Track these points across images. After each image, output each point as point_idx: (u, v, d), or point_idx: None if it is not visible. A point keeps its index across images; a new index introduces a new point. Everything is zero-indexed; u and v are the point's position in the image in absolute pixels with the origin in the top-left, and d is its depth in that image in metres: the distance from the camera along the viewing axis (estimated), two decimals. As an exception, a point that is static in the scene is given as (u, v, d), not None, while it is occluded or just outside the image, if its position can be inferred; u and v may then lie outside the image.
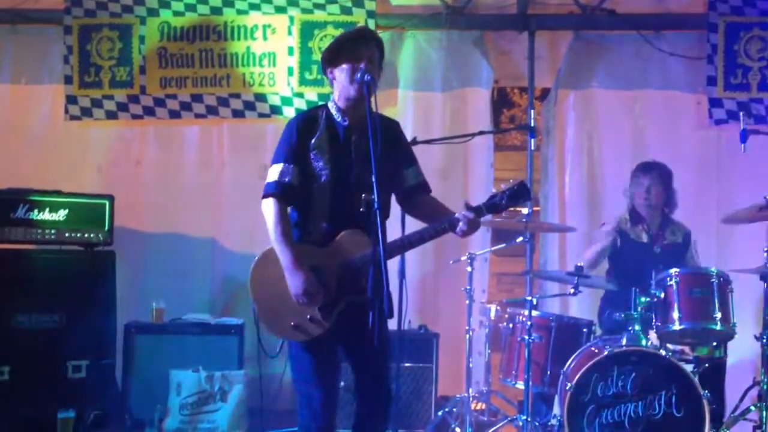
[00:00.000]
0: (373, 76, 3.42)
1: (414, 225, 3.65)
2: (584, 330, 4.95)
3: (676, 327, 4.54)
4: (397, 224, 3.61)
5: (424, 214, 3.71)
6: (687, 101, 6.01)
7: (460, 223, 3.45)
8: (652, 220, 5.22)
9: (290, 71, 6.03)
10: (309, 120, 3.62)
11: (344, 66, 3.52)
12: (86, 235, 5.34)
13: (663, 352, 4.47)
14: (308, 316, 3.48)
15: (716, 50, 5.85)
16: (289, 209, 3.59)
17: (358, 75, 3.44)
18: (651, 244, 5.19)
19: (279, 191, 3.52)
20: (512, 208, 3.54)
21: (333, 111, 3.62)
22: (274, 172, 3.55)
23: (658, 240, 5.20)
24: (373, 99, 3.37)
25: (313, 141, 3.55)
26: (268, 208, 3.53)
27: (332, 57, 3.57)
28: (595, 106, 6.11)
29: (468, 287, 5.24)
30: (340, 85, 3.58)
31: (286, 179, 3.53)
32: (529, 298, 4.94)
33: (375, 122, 3.31)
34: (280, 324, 3.51)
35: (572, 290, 4.73)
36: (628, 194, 5.29)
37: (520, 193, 3.44)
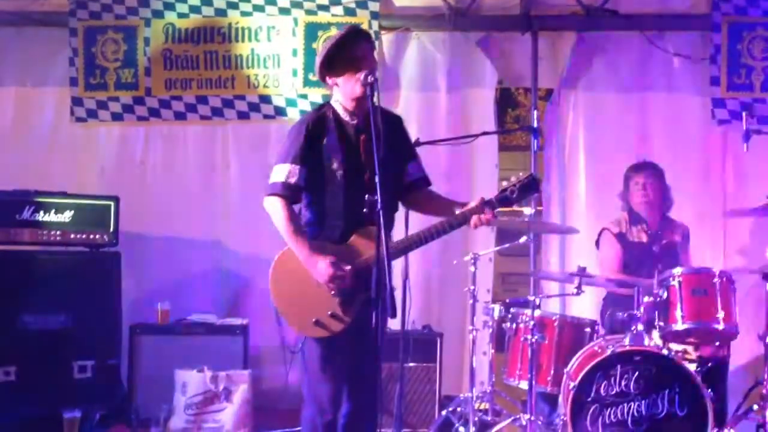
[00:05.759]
0: (376, 77, 3.43)
1: (417, 220, 3.66)
2: (587, 330, 4.95)
3: (679, 326, 4.54)
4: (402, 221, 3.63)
5: (428, 207, 3.76)
6: (690, 101, 5.99)
7: (474, 217, 3.51)
8: (652, 219, 5.23)
9: (294, 73, 6.05)
10: (318, 120, 3.63)
11: (345, 74, 3.53)
12: (91, 236, 5.38)
13: (666, 352, 4.48)
14: (329, 312, 3.49)
15: (719, 50, 5.85)
16: (304, 210, 3.61)
17: (362, 78, 3.44)
18: (650, 244, 5.20)
19: (286, 192, 3.54)
20: (522, 201, 3.62)
21: (340, 111, 3.64)
22: (280, 172, 3.56)
23: (657, 239, 5.21)
24: (376, 98, 3.38)
25: (325, 141, 3.57)
26: (273, 206, 3.55)
27: (329, 65, 3.58)
28: (598, 107, 6.11)
29: (472, 287, 5.24)
30: (343, 89, 3.59)
31: (293, 180, 3.55)
32: (532, 297, 4.95)
33: (378, 122, 3.32)
34: (301, 320, 3.52)
35: (575, 290, 4.73)
36: (624, 197, 5.30)
37: (530, 185, 3.53)
